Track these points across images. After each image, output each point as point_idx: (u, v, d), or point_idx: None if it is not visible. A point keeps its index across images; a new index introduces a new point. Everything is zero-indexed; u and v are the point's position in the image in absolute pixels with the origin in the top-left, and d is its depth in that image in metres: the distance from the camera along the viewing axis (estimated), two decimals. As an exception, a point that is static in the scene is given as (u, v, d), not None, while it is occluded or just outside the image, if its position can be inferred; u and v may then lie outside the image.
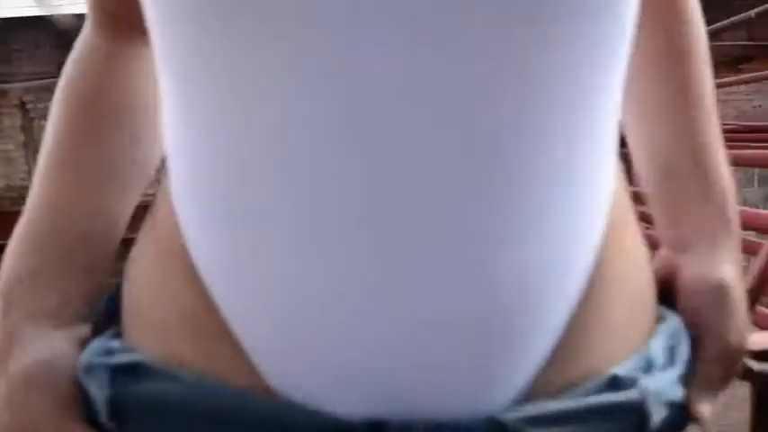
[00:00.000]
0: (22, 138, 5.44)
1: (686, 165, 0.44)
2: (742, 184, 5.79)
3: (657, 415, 0.36)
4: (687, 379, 0.38)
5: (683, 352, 0.39)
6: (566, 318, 0.34)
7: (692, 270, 0.42)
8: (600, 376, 0.35)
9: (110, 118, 0.44)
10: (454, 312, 0.32)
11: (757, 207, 5.49)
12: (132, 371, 0.36)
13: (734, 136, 3.51)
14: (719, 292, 0.41)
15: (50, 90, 0.42)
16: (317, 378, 0.33)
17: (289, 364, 0.33)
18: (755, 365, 0.65)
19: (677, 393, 0.37)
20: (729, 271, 0.41)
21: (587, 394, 0.35)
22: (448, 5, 0.29)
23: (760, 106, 5.49)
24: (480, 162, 0.31)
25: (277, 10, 0.30)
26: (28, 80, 5.27)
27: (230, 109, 0.32)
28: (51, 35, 4.99)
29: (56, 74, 0.43)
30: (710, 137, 0.45)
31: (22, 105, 5.47)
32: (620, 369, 0.36)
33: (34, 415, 0.36)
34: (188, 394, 0.34)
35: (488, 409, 0.33)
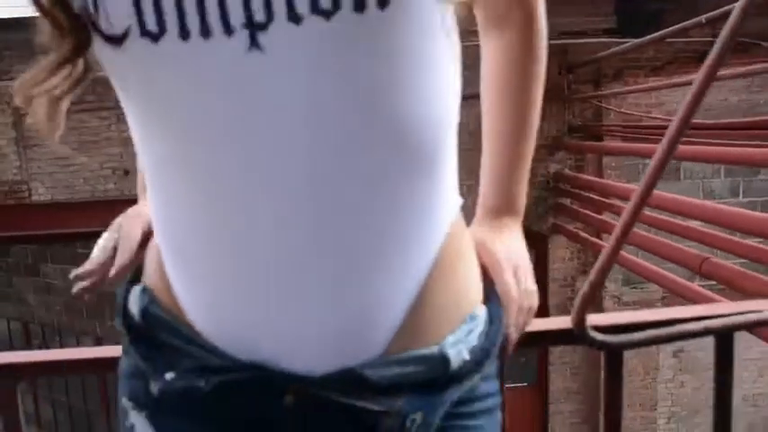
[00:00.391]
0: (13, 134, 5.50)
1: (497, 201, 0.74)
2: (708, 176, 5.96)
3: (456, 360, 0.59)
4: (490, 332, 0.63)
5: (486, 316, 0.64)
6: (401, 320, 0.56)
7: (481, 246, 0.70)
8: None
9: None
10: (321, 325, 0.54)
11: (724, 198, 5.60)
12: (154, 300, 0.61)
13: (700, 132, 3.66)
14: (491, 256, 0.70)
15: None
16: (233, 343, 0.57)
17: (213, 332, 0.57)
18: (599, 336, 0.80)
19: (472, 343, 0.60)
20: (501, 243, 0.72)
21: None
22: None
23: (726, 100, 5.64)
24: (338, 242, 0.52)
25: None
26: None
27: (168, 193, 0.56)
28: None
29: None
30: (519, 173, 0.74)
31: (13, 102, 5.47)
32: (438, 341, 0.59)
33: (130, 227, 0.70)
34: (172, 327, 0.59)
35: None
